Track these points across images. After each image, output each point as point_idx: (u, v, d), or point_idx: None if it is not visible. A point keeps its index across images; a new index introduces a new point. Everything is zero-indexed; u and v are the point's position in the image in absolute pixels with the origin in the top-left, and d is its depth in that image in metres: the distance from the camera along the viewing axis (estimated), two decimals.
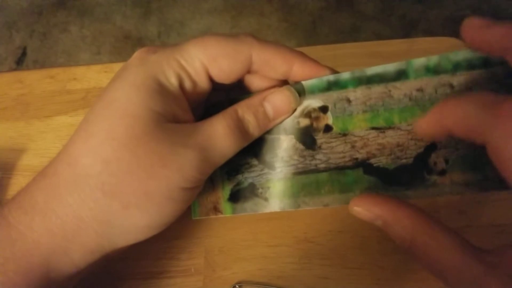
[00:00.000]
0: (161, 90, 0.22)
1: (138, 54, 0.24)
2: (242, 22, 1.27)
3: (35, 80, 0.39)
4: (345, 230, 0.31)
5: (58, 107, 0.38)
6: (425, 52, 0.38)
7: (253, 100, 0.25)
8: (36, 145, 0.37)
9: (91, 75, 0.39)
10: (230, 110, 0.24)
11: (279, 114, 0.25)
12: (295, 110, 0.25)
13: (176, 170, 0.22)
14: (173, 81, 0.23)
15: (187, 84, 0.23)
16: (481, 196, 0.32)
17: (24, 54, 1.32)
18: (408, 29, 1.25)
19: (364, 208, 0.21)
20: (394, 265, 0.30)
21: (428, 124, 0.20)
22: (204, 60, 0.23)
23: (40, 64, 1.30)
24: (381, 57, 0.38)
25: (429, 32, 1.24)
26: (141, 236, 0.23)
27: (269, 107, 0.24)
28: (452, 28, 1.24)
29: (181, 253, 0.31)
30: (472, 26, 0.19)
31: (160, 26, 1.33)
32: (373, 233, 0.31)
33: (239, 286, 0.30)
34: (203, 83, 0.24)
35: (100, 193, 0.21)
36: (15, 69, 1.25)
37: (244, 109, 0.24)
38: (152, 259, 0.31)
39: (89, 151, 0.21)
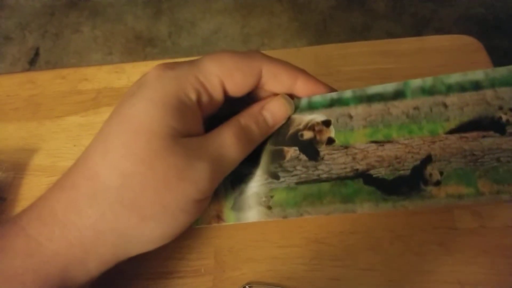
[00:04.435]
0: (180, 106, 0.23)
1: (155, 71, 0.24)
2: (252, 21, 1.27)
3: (46, 81, 0.40)
4: (357, 231, 0.31)
5: (69, 108, 0.38)
6: (437, 51, 0.38)
7: (253, 110, 0.26)
8: (48, 145, 0.37)
9: (102, 76, 0.40)
10: (233, 121, 0.25)
11: (277, 120, 0.27)
12: (290, 116, 0.27)
13: (192, 183, 0.23)
14: (192, 97, 0.24)
15: (204, 99, 0.24)
16: None
17: (37, 54, 1.33)
18: (419, 27, 1.24)
19: None
20: (407, 266, 0.30)
21: None
22: (221, 75, 0.24)
23: (53, 65, 1.32)
24: (393, 55, 0.38)
25: (441, 30, 1.23)
26: (153, 246, 0.24)
27: (268, 115, 0.26)
28: (464, 26, 1.22)
29: (191, 253, 0.31)
30: None
31: (171, 26, 1.34)
32: (385, 234, 0.31)
33: (249, 286, 0.30)
34: (218, 97, 0.25)
35: (119, 206, 0.22)
36: (28, 70, 1.26)
37: (246, 118, 0.26)
38: (161, 259, 0.31)
39: (108, 166, 0.22)
